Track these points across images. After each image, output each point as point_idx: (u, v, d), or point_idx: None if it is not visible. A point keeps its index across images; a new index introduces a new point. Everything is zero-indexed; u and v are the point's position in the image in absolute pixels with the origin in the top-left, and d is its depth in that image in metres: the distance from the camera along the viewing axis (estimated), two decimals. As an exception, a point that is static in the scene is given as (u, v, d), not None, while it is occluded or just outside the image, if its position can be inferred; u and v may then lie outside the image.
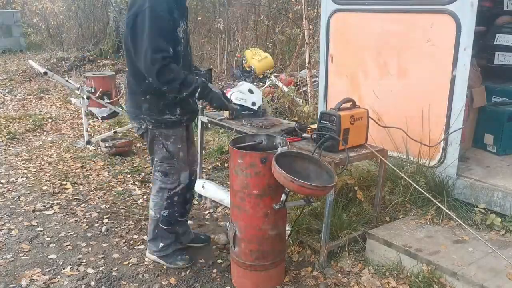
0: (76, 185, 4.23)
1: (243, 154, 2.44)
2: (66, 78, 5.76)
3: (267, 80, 6.82)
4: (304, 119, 5.27)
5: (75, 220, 3.57)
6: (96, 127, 6.20)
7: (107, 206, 3.80)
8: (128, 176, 4.46)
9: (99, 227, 3.45)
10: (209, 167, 4.58)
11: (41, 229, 3.42)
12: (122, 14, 10.88)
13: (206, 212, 3.71)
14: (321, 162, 2.49)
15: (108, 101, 5.92)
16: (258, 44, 9.26)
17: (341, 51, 3.76)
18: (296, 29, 8.76)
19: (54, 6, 12.20)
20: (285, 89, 6.22)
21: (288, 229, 2.92)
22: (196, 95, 2.48)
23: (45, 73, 5.03)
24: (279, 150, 2.40)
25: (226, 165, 4.22)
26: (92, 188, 4.16)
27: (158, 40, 2.33)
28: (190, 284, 2.74)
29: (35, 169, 4.62)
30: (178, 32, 2.44)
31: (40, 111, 7.04)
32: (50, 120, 6.52)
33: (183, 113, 2.64)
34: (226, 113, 3.40)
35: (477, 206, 2.98)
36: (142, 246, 3.18)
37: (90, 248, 3.16)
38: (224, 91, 2.95)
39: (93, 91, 5.57)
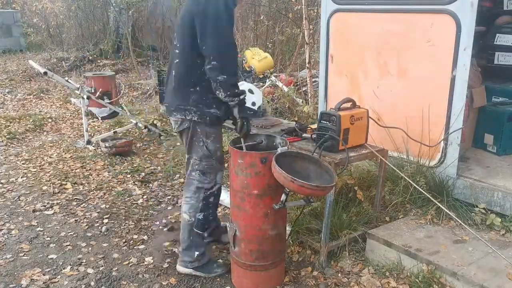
0: (76, 185, 4.23)
1: (243, 154, 2.44)
2: (66, 78, 5.75)
3: (267, 80, 6.81)
4: (304, 119, 5.27)
5: (75, 220, 3.57)
6: (96, 127, 6.20)
7: (107, 206, 3.80)
8: (128, 176, 4.46)
9: (99, 227, 3.45)
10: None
11: (41, 229, 3.42)
12: (122, 14, 10.88)
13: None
14: (321, 162, 2.49)
15: (108, 101, 5.92)
16: (258, 44, 9.25)
17: (341, 51, 3.76)
18: (296, 29, 8.76)
19: (54, 6, 12.20)
20: (285, 89, 6.22)
21: (288, 229, 2.92)
22: (242, 97, 2.54)
23: (45, 73, 5.03)
24: (279, 150, 2.40)
25: (226, 165, 4.22)
26: (92, 188, 4.16)
27: (229, 33, 2.50)
28: (190, 284, 2.74)
29: (35, 169, 4.62)
30: (234, 28, 2.67)
31: (40, 111, 7.05)
32: (50, 120, 6.53)
33: (226, 113, 2.63)
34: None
35: (477, 206, 2.98)
36: (142, 246, 3.18)
37: (90, 248, 3.16)
38: None
39: (93, 91, 5.57)
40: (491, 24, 4.13)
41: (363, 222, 3.03)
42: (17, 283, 2.75)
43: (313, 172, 2.47)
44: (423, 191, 2.79)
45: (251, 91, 3.34)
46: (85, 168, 4.65)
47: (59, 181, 4.28)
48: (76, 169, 4.60)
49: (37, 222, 3.53)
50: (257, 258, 2.56)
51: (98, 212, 3.69)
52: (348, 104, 2.87)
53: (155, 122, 5.89)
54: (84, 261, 2.99)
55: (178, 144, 5.30)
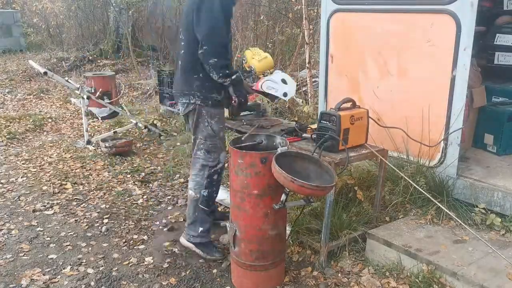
0: (76, 185, 4.23)
1: (243, 154, 2.44)
2: (66, 78, 5.75)
3: (267, 80, 6.80)
4: (304, 119, 5.27)
5: (75, 220, 3.57)
6: (96, 127, 6.20)
7: (107, 206, 3.80)
8: (128, 176, 4.46)
9: (99, 227, 3.45)
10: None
11: (41, 229, 3.42)
12: (122, 14, 10.88)
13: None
14: (321, 162, 2.49)
15: (108, 101, 5.92)
16: (258, 44, 9.25)
17: (341, 51, 3.76)
18: (296, 29, 8.76)
19: (54, 6, 12.19)
20: (285, 89, 6.21)
21: (288, 229, 2.92)
22: (234, 77, 2.77)
23: (45, 73, 5.03)
24: (279, 150, 2.40)
25: (226, 165, 4.21)
26: (92, 188, 4.16)
27: (218, 20, 2.70)
28: (190, 284, 2.74)
29: (35, 169, 4.62)
30: (231, 23, 2.83)
31: (40, 111, 7.05)
32: (50, 120, 6.53)
33: (226, 97, 2.91)
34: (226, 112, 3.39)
35: (477, 206, 2.98)
36: (142, 246, 3.18)
37: (90, 248, 3.16)
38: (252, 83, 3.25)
39: (93, 91, 5.57)
40: (491, 24, 4.13)
41: (363, 222, 3.03)
42: (17, 283, 2.75)
43: (313, 172, 2.47)
44: (423, 191, 2.79)
45: (284, 81, 3.27)
46: (85, 168, 4.65)
47: (59, 181, 4.28)
48: (76, 169, 4.61)
49: (37, 222, 3.53)
50: (257, 258, 2.56)
51: (98, 212, 3.69)
52: (348, 104, 2.87)
53: (155, 122, 5.89)
54: (84, 261, 2.99)
55: (178, 144, 5.30)
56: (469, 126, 3.63)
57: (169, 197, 4.02)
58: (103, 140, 5.09)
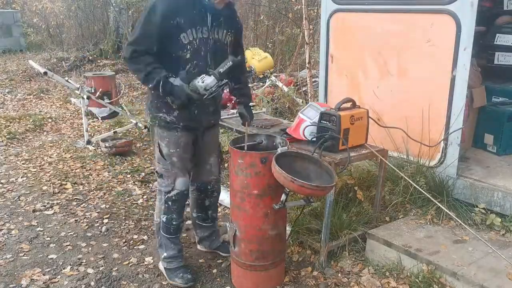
0: (76, 185, 4.23)
1: (243, 154, 2.44)
2: (66, 78, 5.75)
3: (267, 80, 6.82)
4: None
5: (75, 220, 3.57)
6: (96, 127, 6.20)
7: (107, 206, 3.80)
8: (128, 176, 4.46)
9: (99, 227, 3.45)
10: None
11: (41, 229, 3.42)
12: (122, 14, 10.89)
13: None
14: (321, 162, 2.49)
15: (108, 101, 5.92)
16: (258, 44, 9.26)
17: (341, 51, 3.76)
18: (296, 29, 8.77)
19: (54, 6, 12.20)
20: (285, 89, 6.22)
21: (288, 229, 2.92)
22: (160, 89, 2.41)
23: (45, 73, 5.03)
24: (279, 150, 2.40)
25: (226, 165, 4.21)
26: (92, 188, 4.16)
27: (140, 34, 2.42)
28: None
29: (35, 169, 4.62)
30: (183, 38, 2.42)
31: (40, 111, 7.04)
32: (50, 120, 6.52)
33: (179, 118, 2.55)
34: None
35: (477, 206, 2.98)
36: (142, 246, 3.18)
37: (90, 248, 3.16)
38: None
39: (93, 91, 5.57)
40: (491, 24, 4.13)
41: (363, 222, 3.03)
42: (17, 283, 2.75)
43: (313, 172, 2.47)
44: (423, 191, 2.79)
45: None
46: (85, 168, 4.65)
47: (59, 181, 4.28)
48: (76, 169, 4.60)
49: (37, 222, 3.53)
50: (257, 258, 2.56)
51: (98, 212, 3.69)
52: (348, 104, 2.87)
53: (155, 122, 5.88)
54: (84, 261, 2.99)
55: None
56: (469, 126, 3.63)
57: (169, 197, 4.02)
58: (103, 140, 5.09)
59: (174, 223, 2.72)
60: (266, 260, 2.58)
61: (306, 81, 6.04)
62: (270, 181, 2.39)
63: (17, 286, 2.72)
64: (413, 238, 2.78)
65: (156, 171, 2.71)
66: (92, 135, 5.66)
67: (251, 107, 2.98)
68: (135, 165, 4.72)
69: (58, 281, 2.78)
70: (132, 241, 3.25)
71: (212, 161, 2.88)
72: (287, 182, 2.22)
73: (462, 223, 2.70)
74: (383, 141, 3.21)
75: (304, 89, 6.32)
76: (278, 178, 2.28)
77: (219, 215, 3.63)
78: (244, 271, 2.62)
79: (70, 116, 6.84)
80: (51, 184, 4.21)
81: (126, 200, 3.94)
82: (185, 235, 3.29)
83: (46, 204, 3.83)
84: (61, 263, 2.97)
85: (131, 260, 2.99)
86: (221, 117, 3.19)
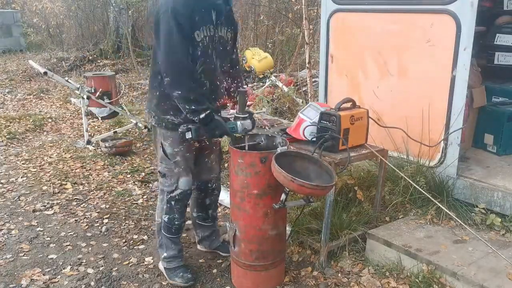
0: (76, 185, 4.23)
1: (243, 154, 2.44)
2: (66, 78, 5.75)
3: (267, 80, 6.82)
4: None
5: (75, 220, 3.57)
6: (96, 127, 6.21)
7: (107, 206, 3.80)
8: (128, 176, 4.46)
9: (99, 227, 3.45)
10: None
11: (41, 229, 3.42)
12: (122, 14, 10.89)
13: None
14: (321, 162, 2.49)
15: (108, 101, 5.91)
16: (258, 44, 9.26)
17: (341, 51, 3.76)
18: (296, 29, 8.77)
19: (54, 6, 12.20)
20: (285, 89, 6.22)
21: (288, 229, 2.92)
22: (203, 116, 2.40)
23: (45, 73, 5.03)
24: (279, 150, 2.40)
25: (226, 165, 4.21)
26: (92, 188, 4.16)
27: (180, 48, 2.36)
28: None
29: (35, 169, 4.62)
30: (196, 36, 2.40)
31: (40, 111, 7.05)
32: (50, 120, 6.52)
33: (187, 120, 2.51)
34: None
35: (477, 206, 2.98)
36: (142, 246, 3.18)
37: (90, 248, 3.16)
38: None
39: (93, 91, 5.56)
40: (491, 24, 4.13)
41: (363, 222, 3.03)
42: (17, 283, 2.75)
43: (313, 172, 2.46)
44: (423, 191, 2.79)
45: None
46: (85, 168, 4.65)
47: (59, 181, 4.28)
48: (76, 169, 4.60)
49: (37, 222, 3.53)
50: (257, 258, 2.56)
51: (98, 212, 3.69)
52: (348, 104, 2.87)
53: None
54: (84, 261, 2.99)
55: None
56: (469, 126, 3.63)
57: (169, 197, 4.02)
58: (103, 140, 5.09)
59: (176, 223, 2.71)
60: (266, 260, 2.58)
61: (306, 81, 6.04)
62: (270, 181, 2.39)
63: (17, 286, 2.72)
64: (413, 238, 2.78)
65: (159, 171, 2.70)
66: (92, 135, 5.66)
67: (252, 114, 2.85)
68: (135, 165, 4.72)
69: (58, 281, 2.78)
70: (132, 241, 3.25)
71: (213, 159, 2.88)
72: (287, 182, 2.22)
73: (462, 223, 2.70)
74: (383, 141, 3.21)
75: (304, 89, 6.32)
76: (278, 177, 2.28)
77: (219, 215, 3.63)
78: (244, 271, 2.62)
79: (70, 116, 6.84)
80: (51, 184, 4.21)
81: (126, 200, 3.94)
82: (185, 235, 3.29)
83: (46, 204, 3.83)
84: (61, 263, 2.97)
85: (131, 260, 2.99)
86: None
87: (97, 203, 3.88)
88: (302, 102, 5.78)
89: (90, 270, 2.88)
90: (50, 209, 3.75)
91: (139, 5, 10.54)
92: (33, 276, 2.81)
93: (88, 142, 5.28)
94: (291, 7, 9.11)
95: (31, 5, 13.01)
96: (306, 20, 5.68)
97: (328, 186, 2.34)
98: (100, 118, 5.95)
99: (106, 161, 4.80)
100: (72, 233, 3.36)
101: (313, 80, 5.85)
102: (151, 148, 5.34)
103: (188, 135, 2.43)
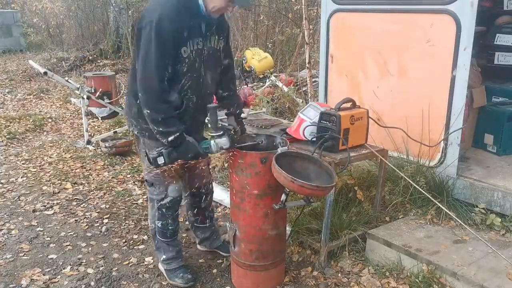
0: (76, 185, 4.23)
1: (243, 154, 2.44)
2: (66, 78, 5.75)
3: (267, 80, 6.81)
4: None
5: (75, 220, 3.57)
6: (96, 127, 6.21)
7: (107, 206, 3.80)
8: (128, 176, 4.46)
9: (99, 227, 3.45)
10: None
11: (41, 229, 3.42)
12: (122, 14, 10.89)
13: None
14: (321, 162, 2.49)
15: (108, 101, 5.91)
16: (258, 44, 9.25)
17: (341, 51, 3.76)
18: (296, 29, 8.77)
19: (54, 6, 12.19)
20: (285, 89, 6.22)
21: (288, 229, 2.91)
22: (171, 138, 2.28)
23: (45, 73, 5.03)
24: (279, 150, 2.39)
25: (226, 165, 4.21)
26: (92, 188, 4.16)
27: (156, 66, 2.22)
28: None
29: (35, 169, 4.62)
30: (183, 52, 2.29)
31: (40, 111, 7.05)
32: (50, 120, 6.53)
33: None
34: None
35: (477, 206, 2.98)
36: (142, 246, 3.18)
37: (90, 248, 3.16)
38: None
39: (93, 91, 5.57)
40: (491, 24, 4.13)
41: (363, 222, 3.03)
42: (17, 283, 2.75)
43: (313, 172, 2.46)
44: (423, 191, 2.79)
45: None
46: (85, 168, 4.65)
47: (59, 181, 4.28)
48: (76, 169, 4.60)
49: (37, 222, 3.53)
50: (257, 258, 2.56)
51: (98, 212, 3.69)
52: (348, 104, 2.87)
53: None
54: (84, 261, 2.99)
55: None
56: (469, 126, 3.63)
57: (169, 197, 4.02)
58: (103, 140, 5.09)
59: (170, 228, 2.70)
60: (266, 260, 2.58)
61: (306, 81, 6.04)
62: (270, 181, 2.39)
63: (17, 286, 2.72)
64: (413, 238, 2.78)
65: (146, 180, 2.62)
66: (92, 135, 5.66)
67: (242, 119, 2.77)
68: (135, 165, 4.72)
69: (58, 281, 2.78)
70: (132, 241, 3.25)
71: (204, 165, 2.82)
72: (287, 182, 2.22)
73: (462, 223, 2.70)
74: (383, 141, 3.21)
75: (304, 89, 6.32)
76: (278, 178, 2.28)
77: (219, 215, 3.64)
78: (244, 271, 2.62)
79: (70, 116, 6.84)
80: (51, 184, 4.21)
81: (126, 200, 3.94)
82: (185, 235, 3.29)
83: (46, 204, 3.83)
84: (61, 263, 2.97)
85: (131, 260, 2.99)
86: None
87: (97, 203, 3.88)
88: (302, 102, 5.78)
89: (90, 270, 2.88)
90: (50, 209, 3.75)
91: (139, 5, 10.53)
92: (33, 276, 2.81)
93: (88, 142, 5.28)
94: (291, 7, 9.11)
95: (31, 5, 13.01)
96: (306, 20, 5.68)
97: (328, 187, 2.34)
98: (100, 118, 5.96)
99: (106, 161, 4.80)
100: (72, 233, 3.36)
101: (313, 80, 5.85)
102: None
103: (161, 161, 2.30)
